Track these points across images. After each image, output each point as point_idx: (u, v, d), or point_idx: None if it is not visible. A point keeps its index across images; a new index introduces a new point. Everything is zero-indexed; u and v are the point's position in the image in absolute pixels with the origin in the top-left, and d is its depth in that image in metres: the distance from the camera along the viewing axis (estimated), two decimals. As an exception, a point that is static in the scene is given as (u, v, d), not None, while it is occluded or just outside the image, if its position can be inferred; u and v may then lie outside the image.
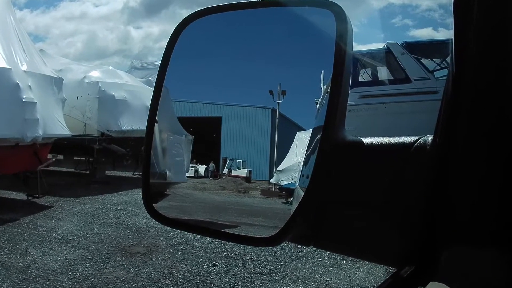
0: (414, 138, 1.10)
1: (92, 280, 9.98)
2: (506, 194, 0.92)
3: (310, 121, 1.43)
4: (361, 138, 1.18)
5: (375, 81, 20.16)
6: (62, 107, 20.39)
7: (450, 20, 0.98)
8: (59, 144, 21.09)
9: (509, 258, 0.92)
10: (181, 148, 2.28)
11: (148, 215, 1.46)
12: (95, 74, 25.25)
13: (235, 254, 11.81)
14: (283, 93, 1.57)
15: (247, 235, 1.37)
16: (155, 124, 1.56)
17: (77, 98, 23.39)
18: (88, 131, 23.69)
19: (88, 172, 26.61)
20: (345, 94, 1.17)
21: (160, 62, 1.51)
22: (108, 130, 24.01)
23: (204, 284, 10.05)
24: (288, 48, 1.58)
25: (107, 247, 12.45)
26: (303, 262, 11.34)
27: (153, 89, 1.55)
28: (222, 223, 1.69)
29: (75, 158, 28.56)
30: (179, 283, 10.05)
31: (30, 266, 10.61)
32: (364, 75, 20.28)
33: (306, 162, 1.38)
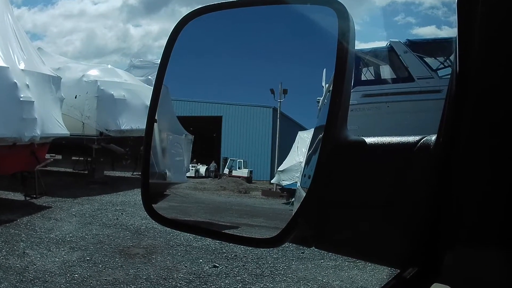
0: (417, 138, 1.10)
1: (91, 282, 9.98)
2: (511, 194, 0.92)
3: (311, 120, 1.44)
4: (363, 137, 1.18)
5: (378, 80, 20.15)
6: (60, 106, 20.38)
7: (454, 18, 0.98)
8: (57, 144, 21.04)
9: None
10: (181, 148, 2.28)
11: (148, 216, 1.46)
12: (93, 72, 25.24)
13: (236, 255, 11.81)
14: (285, 92, 1.57)
15: (248, 236, 1.37)
16: (155, 123, 1.56)
17: (76, 97, 23.39)
18: (87, 130, 23.68)
19: (86, 172, 26.60)
20: (347, 93, 1.17)
21: (159, 61, 1.51)
22: (107, 130, 24.00)
23: (204, 286, 10.05)
24: (289, 46, 1.58)
25: (106, 248, 12.45)
26: (304, 264, 11.34)
27: (152, 88, 1.55)
28: (223, 224, 1.69)
29: (73, 158, 28.54)
30: (179, 284, 10.05)
31: (28, 267, 10.62)
32: (367, 74, 20.28)
33: (307, 162, 1.38)
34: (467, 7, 0.97)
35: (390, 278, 1.09)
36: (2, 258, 11.15)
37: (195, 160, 2.46)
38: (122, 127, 24.10)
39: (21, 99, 16.87)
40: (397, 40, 19.66)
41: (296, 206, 1.22)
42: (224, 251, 12.11)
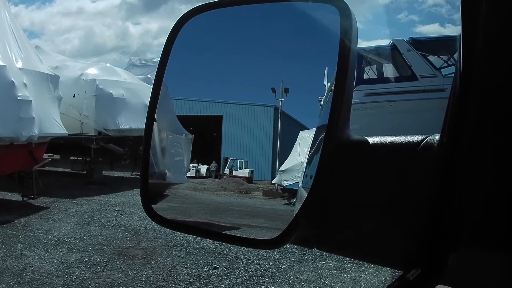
0: (420, 138, 1.10)
1: (89, 284, 9.99)
2: None
3: (313, 120, 1.44)
4: (366, 137, 1.18)
5: (381, 78, 20.10)
6: (58, 105, 20.38)
7: (458, 16, 0.98)
8: (55, 144, 21.05)
9: None
10: (180, 148, 2.28)
11: (147, 217, 1.46)
12: (92, 71, 25.24)
13: (237, 257, 11.82)
14: (286, 91, 1.57)
15: (248, 237, 1.37)
16: (154, 122, 1.56)
17: (74, 96, 23.38)
18: (85, 130, 23.67)
19: (85, 172, 26.61)
20: (349, 92, 1.17)
21: (159, 59, 1.51)
22: (105, 129, 24.00)
23: (205, 288, 10.07)
24: (291, 44, 1.58)
25: (104, 250, 12.46)
26: (306, 265, 11.34)
27: (152, 86, 1.55)
28: (223, 224, 1.69)
29: (71, 158, 28.53)
30: (178, 286, 10.05)
31: (26, 269, 10.63)
32: (369, 73, 20.23)
33: (309, 162, 1.38)
34: (471, 4, 0.97)
35: (393, 280, 1.09)
36: (0, 260, 11.16)
37: (195, 160, 2.46)
38: (121, 127, 24.09)
39: (18, 98, 16.88)
40: (400, 38, 19.63)
41: (298, 206, 1.22)
42: (224, 252, 12.12)
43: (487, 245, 0.95)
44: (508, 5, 0.94)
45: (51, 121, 19.17)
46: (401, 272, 1.09)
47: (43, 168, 21.09)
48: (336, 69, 1.17)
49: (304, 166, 1.50)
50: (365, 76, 19.60)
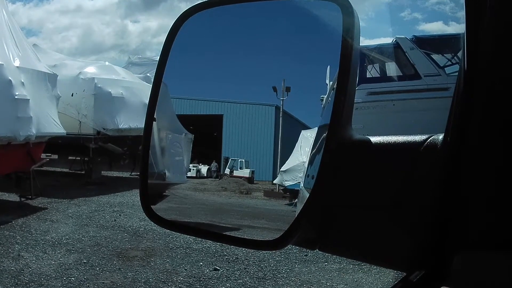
0: (424, 137, 1.10)
1: (88, 285, 9.99)
2: None
3: (315, 119, 1.44)
4: (368, 137, 1.18)
5: (384, 77, 20.09)
6: (56, 105, 20.38)
7: (462, 14, 0.98)
8: (53, 143, 21.06)
9: None
10: (180, 147, 2.28)
11: (146, 217, 1.46)
12: (90, 70, 25.25)
13: (237, 258, 11.82)
14: (287, 89, 1.57)
15: (249, 238, 1.37)
16: (154, 122, 1.56)
17: (72, 95, 23.40)
18: (84, 129, 23.67)
19: (83, 172, 26.56)
20: (352, 91, 1.17)
21: (158, 58, 1.51)
22: (104, 129, 24.00)
23: (205, 290, 10.07)
24: (293, 43, 1.58)
25: (103, 251, 12.46)
26: (308, 267, 11.34)
27: (151, 85, 1.55)
28: (224, 225, 1.69)
29: (70, 157, 28.51)
30: (178, 288, 10.07)
31: (23, 270, 10.62)
32: (372, 71, 20.22)
33: (311, 162, 1.38)
34: (476, 2, 0.97)
35: (396, 282, 1.09)
36: (-3, 261, 11.17)
37: (196, 161, 2.46)
38: (120, 126, 24.10)
39: (16, 97, 16.89)
40: (403, 36, 19.61)
41: (299, 207, 1.22)
42: (225, 253, 12.12)
43: (492, 246, 0.95)
44: (513, 2, 0.94)
45: (49, 121, 19.17)
46: (404, 274, 1.09)
47: (41, 168, 21.10)
48: (338, 67, 1.17)
49: (306, 166, 1.50)
50: (368, 75, 19.59)
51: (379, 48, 20.29)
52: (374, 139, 1.17)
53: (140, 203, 1.47)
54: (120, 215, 16.91)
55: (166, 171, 1.99)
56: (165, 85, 1.52)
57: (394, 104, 18.26)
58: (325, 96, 1.41)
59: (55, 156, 27.04)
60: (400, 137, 1.15)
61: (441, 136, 1.06)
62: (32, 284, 9.88)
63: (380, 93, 18.62)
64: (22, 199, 18.86)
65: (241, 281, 10.48)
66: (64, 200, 18.99)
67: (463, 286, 1.00)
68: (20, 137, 17.05)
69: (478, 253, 0.97)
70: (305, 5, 1.46)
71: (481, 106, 0.95)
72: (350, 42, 1.17)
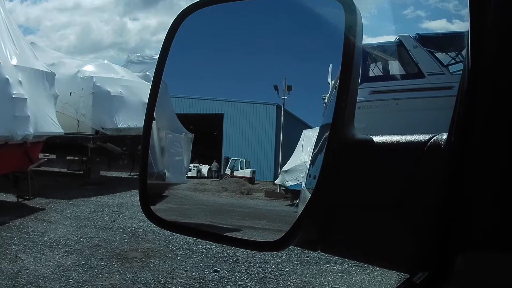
0: (427, 137, 1.10)
1: (86, 287, 9.99)
2: None
3: (317, 118, 1.44)
4: (371, 136, 1.18)
5: (386, 76, 20.11)
6: (54, 104, 20.36)
7: (466, 11, 0.98)
8: (51, 143, 21.01)
9: None
10: (180, 147, 2.28)
11: (146, 218, 1.46)
12: (89, 68, 25.23)
13: (238, 260, 11.81)
14: (289, 88, 1.57)
15: (250, 239, 1.37)
16: (153, 121, 1.56)
17: (70, 94, 23.38)
18: (82, 129, 23.66)
19: (82, 172, 26.56)
20: (354, 90, 1.17)
21: (158, 56, 1.52)
22: (103, 128, 23.99)
23: (205, 291, 10.07)
24: (294, 41, 1.58)
25: (102, 252, 12.46)
26: (310, 268, 11.33)
27: (150, 84, 1.55)
28: (224, 226, 1.69)
29: (68, 157, 28.50)
30: (178, 290, 10.07)
31: (21, 272, 10.62)
32: (375, 70, 20.23)
33: (313, 162, 1.38)
34: (480, 0, 0.97)
35: (399, 283, 1.09)
36: (-6, 262, 11.17)
37: (197, 161, 2.46)
38: (119, 125, 24.09)
39: (13, 96, 16.87)
40: (406, 34, 19.62)
41: (301, 208, 1.22)
42: (225, 255, 12.12)
43: (496, 247, 0.95)
44: (518, -1, 0.94)
45: (46, 120, 19.15)
46: (407, 275, 1.09)
47: (39, 168, 21.11)
48: (340, 66, 1.17)
49: (308, 166, 1.50)
50: (371, 74, 19.61)
51: (382, 46, 20.30)
52: (376, 138, 1.17)
53: (139, 203, 1.47)
54: (119, 215, 16.91)
55: (165, 171, 2.00)
56: (164, 83, 1.53)
57: (397, 103, 18.27)
58: (327, 95, 1.42)
59: (53, 156, 27.06)
60: (403, 136, 1.15)
61: (444, 136, 1.06)
62: (30, 286, 9.88)
63: (383, 92, 18.63)
64: (20, 199, 18.83)
65: (242, 283, 10.48)
66: (62, 201, 18.99)
67: (467, 286, 1.00)
68: (18, 136, 17.02)
69: (481, 253, 0.97)
70: (306, 2, 1.46)
71: (485, 105, 0.95)
72: (353, 40, 1.17)
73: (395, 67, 20.40)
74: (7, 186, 19.32)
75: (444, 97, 15.57)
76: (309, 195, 1.16)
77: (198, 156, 2.49)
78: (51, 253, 12.17)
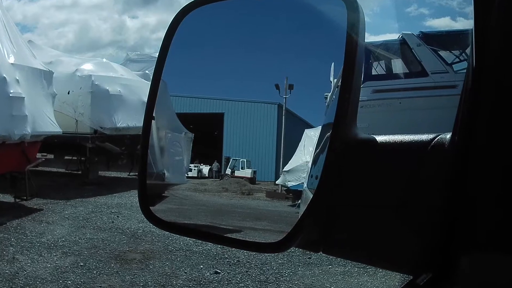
0: (431, 136, 1.10)
1: (85, 289, 10.01)
2: None
3: (319, 117, 1.44)
4: (374, 136, 1.18)
5: (389, 74, 20.07)
6: (52, 103, 20.36)
7: (470, 9, 0.98)
8: (49, 143, 21.00)
9: None
10: (180, 147, 2.28)
11: (145, 219, 1.46)
12: (87, 67, 25.21)
13: (239, 261, 11.82)
14: (290, 87, 1.57)
15: (251, 240, 1.37)
16: (153, 120, 1.56)
17: (68, 93, 23.38)
18: (80, 128, 23.64)
19: (80, 172, 26.55)
20: (357, 89, 1.17)
21: (157, 54, 1.52)
22: (101, 127, 23.97)
23: (205, 293, 10.07)
24: (296, 39, 1.58)
25: (100, 253, 12.46)
26: (311, 270, 11.33)
27: (150, 83, 1.55)
28: (225, 227, 1.69)
29: (66, 157, 28.50)
30: (178, 292, 10.07)
31: (18, 273, 10.63)
32: (378, 68, 20.20)
33: (315, 162, 1.38)
34: (484, -1, 0.97)
35: (402, 285, 1.09)
36: (-9, 264, 11.18)
37: (197, 161, 2.46)
38: (118, 125, 24.07)
39: (10, 95, 16.87)
40: (409, 32, 19.58)
41: (303, 208, 1.22)
42: (226, 256, 12.12)
43: (501, 248, 0.95)
44: (523, -3, 0.94)
45: (44, 119, 19.15)
46: (411, 277, 1.09)
47: (36, 168, 21.11)
48: (342, 64, 1.17)
49: (310, 166, 1.50)
50: (373, 72, 19.58)
51: (385, 45, 20.27)
52: (379, 138, 1.17)
53: (138, 204, 1.47)
54: (118, 216, 16.92)
55: (165, 171, 2.00)
56: (164, 82, 1.53)
57: (400, 102, 18.25)
58: (329, 94, 1.42)
59: (51, 156, 27.03)
60: (406, 136, 1.15)
61: (448, 135, 1.06)
62: (28, 287, 9.89)
63: (386, 91, 18.61)
64: (17, 200, 18.84)
65: (242, 284, 10.48)
66: (60, 201, 19.00)
67: None
68: (15, 136, 17.03)
69: (486, 254, 0.97)
70: (308, 0, 1.46)
71: (490, 104, 0.95)
72: (355, 38, 1.17)
73: (398, 66, 20.37)
74: (4, 186, 19.32)
75: (448, 96, 15.55)
76: (311, 196, 1.16)
77: (198, 156, 2.49)
78: (49, 255, 12.17)
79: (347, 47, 1.17)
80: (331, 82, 1.38)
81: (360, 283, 10.51)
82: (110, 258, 12.09)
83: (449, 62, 18.85)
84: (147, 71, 33.04)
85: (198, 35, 1.73)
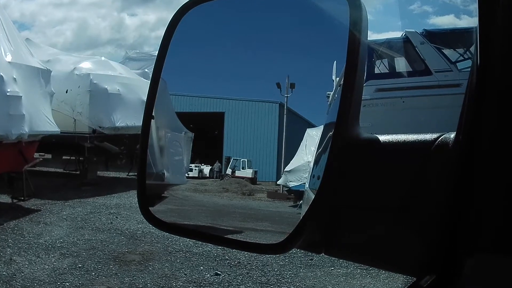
0: (435, 136, 1.10)
1: (83, 291, 10.01)
2: None
3: (321, 117, 1.44)
4: (377, 135, 1.18)
5: (392, 73, 20.05)
6: (50, 102, 20.37)
7: (474, 7, 0.98)
8: (47, 142, 21.02)
9: None
10: (180, 147, 2.28)
11: (144, 220, 1.46)
12: (86, 65, 25.21)
13: (239, 262, 11.82)
14: (292, 86, 1.57)
15: (252, 241, 1.37)
16: (152, 120, 1.56)
17: (67, 92, 23.37)
18: (79, 127, 23.63)
19: (78, 172, 26.57)
20: (359, 88, 1.17)
21: (157, 53, 1.52)
22: (100, 127, 23.97)
23: (205, 295, 10.07)
24: (297, 37, 1.58)
25: (99, 255, 12.46)
26: (313, 271, 11.33)
27: (149, 81, 1.55)
28: (225, 228, 1.69)
29: (64, 157, 28.56)
30: (178, 294, 10.07)
31: (15, 275, 10.63)
32: (380, 67, 20.17)
33: (316, 162, 1.38)
34: (489, -5, 0.97)
35: (405, 287, 1.09)
36: (-12, 265, 11.18)
37: (198, 161, 2.47)
38: (117, 124, 24.08)
39: (7, 93, 16.88)
40: (413, 30, 19.55)
41: (304, 209, 1.22)
42: (226, 257, 12.12)
43: (506, 250, 0.95)
44: (528, -6, 0.94)
45: (42, 118, 19.16)
46: (414, 279, 1.09)
47: (34, 168, 21.12)
48: (345, 63, 1.17)
49: (311, 166, 1.50)
50: (376, 71, 19.56)
51: (388, 43, 20.26)
52: (382, 137, 1.17)
53: (137, 204, 1.47)
54: (116, 217, 16.93)
55: (165, 171, 2.00)
56: (164, 81, 1.53)
57: (403, 101, 18.23)
58: (331, 93, 1.42)
59: (49, 156, 27.06)
60: (409, 135, 1.15)
61: (452, 135, 1.06)
62: (25, 289, 9.90)
63: (389, 90, 18.59)
64: (14, 200, 18.84)
65: (243, 286, 10.48)
66: (58, 202, 18.99)
67: None
68: (12, 135, 17.04)
69: (490, 256, 0.96)
70: (310, -3, 1.46)
71: (494, 103, 0.95)
72: (358, 36, 1.17)
73: (401, 64, 20.35)
74: (2, 187, 19.33)
75: (452, 95, 15.54)
76: (313, 196, 1.16)
77: (198, 156, 2.50)
78: (47, 256, 12.18)
79: (350, 45, 1.17)
80: (333, 80, 1.38)
81: (362, 285, 10.51)
82: (109, 259, 12.09)
83: (453, 61, 18.82)
84: (146, 70, 33.06)
85: (198, 33, 1.73)
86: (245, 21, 1.69)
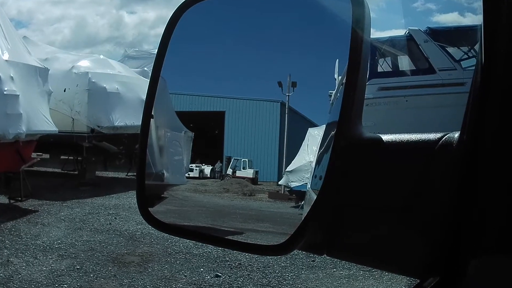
0: (438, 135, 1.10)
1: (81, 293, 10.01)
2: None
3: (323, 116, 1.44)
4: (379, 135, 1.18)
5: (396, 71, 20.05)
6: (47, 101, 20.35)
7: (478, 4, 0.98)
8: (45, 142, 21.03)
9: None
10: (180, 146, 2.28)
11: (143, 221, 1.46)
12: (84, 63, 25.19)
13: (240, 264, 11.82)
14: (294, 85, 1.58)
15: (253, 242, 1.37)
16: (151, 119, 1.56)
17: (65, 91, 23.37)
18: (77, 127, 23.63)
19: (76, 172, 26.59)
20: (362, 86, 1.17)
21: (156, 51, 1.52)
22: (99, 126, 23.97)
23: (206, 297, 10.07)
24: (299, 35, 1.58)
25: (97, 256, 12.46)
26: (315, 273, 11.33)
27: (148, 80, 1.55)
28: (226, 229, 1.69)
29: (62, 157, 28.56)
30: (177, 296, 10.07)
31: (12, 277, 10.63)
32: (383, 65, 20.17)
33: (318, 162, 1.38)
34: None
35: (409, 289, 1.09)
36: (-15, 267, 11.18)
37: (199, 161, 2.47)
38: (116, 124, 24.07)
39: (4, 92, 16.88)
40: (416, 28, 19.57)
41: (306, 210, 1.22)
42: (227, 259, 12.12)
43: (511, 250, 0.95)
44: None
45: (40, 118, 19.15)
46: (418, 281, 1.09)
47: (32, 168, 21.12)
48: (347, 61, 1.17)
49: (313, 166, 1.50)
50: (379, 69, 19.55)
51: (391, 41, 20.25)
52: (385, 137, 1.17)
53: (137, 205, 1.47)
54: (115, 218, 16.92)
55: (164, 172, 2.00)
56: (163, 80, 1.53)
57: (407, 100, 18.24)
58: (334, 92, 1.42)
59: (47, 156, 27.09)
60: (413, 135, 1.15)
61: (457, 134, 1.06)
62: (22, 291, 9.90)
63: (392, 89, 18.59)
64: (12, 201, 18.84)
65: (244, 288, 10.49)
66: (56, 202, 18.99)
67: None
68: (9, 135, 17.04)
69: (494, 257, 0.96)
70: (312, -6, 1.46)
71: (499, 102, 0.95)
72: (360, 34, 1.17)
73: (404, 63, 20.35)
74: (-1, 187, 19.36)
75: (456, 93, 15.55)
76: (315, 197, 1.16)
77: (198, 156, 2.49)
78: (45, 257, 12.18)
79: (352, 44, 1.17)
80: (336, 79, 1.38)
81: (365, 287, 10.51)
82: (108, 261, 12.09)
83: (457, 59, 18.82)
84: (145, 68, 33.09)
85: (198, 31, 1.73)
86: (245, 18, 1.69)
